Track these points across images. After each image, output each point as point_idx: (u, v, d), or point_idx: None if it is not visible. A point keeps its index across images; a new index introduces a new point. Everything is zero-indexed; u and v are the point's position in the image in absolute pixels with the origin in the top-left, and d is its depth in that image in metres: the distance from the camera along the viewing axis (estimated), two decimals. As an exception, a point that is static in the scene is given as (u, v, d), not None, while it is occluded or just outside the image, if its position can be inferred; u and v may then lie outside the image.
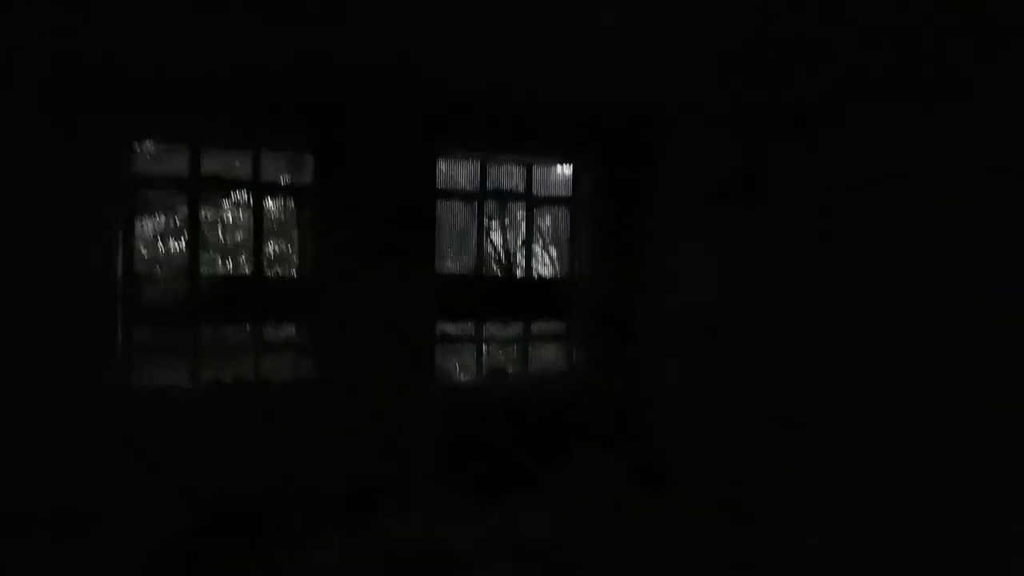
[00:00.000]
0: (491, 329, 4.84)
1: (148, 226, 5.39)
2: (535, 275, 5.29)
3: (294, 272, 4.46)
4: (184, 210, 5.99)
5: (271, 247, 5.94)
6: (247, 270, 7.01)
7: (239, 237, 8.32)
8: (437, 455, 4.25)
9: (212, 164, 4.33)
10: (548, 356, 5.95)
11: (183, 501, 3.68)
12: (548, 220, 8.02)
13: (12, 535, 3.28)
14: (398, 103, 4.13)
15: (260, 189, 4.19)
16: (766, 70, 3.33)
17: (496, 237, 5.98)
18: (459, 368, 4.76)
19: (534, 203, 4.92)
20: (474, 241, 4.91)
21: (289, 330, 4.60)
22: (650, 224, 4.56)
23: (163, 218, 6.12)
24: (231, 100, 3.86)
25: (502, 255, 5.05)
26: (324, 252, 4.12)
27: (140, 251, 4.00)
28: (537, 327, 4.93)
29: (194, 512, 3.61)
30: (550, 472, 4.26)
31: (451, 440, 4.29)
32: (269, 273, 4.59)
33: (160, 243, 6.27)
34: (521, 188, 4.85)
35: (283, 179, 4.78)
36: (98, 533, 3.37)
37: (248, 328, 4.26)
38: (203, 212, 4.03)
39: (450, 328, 4.64)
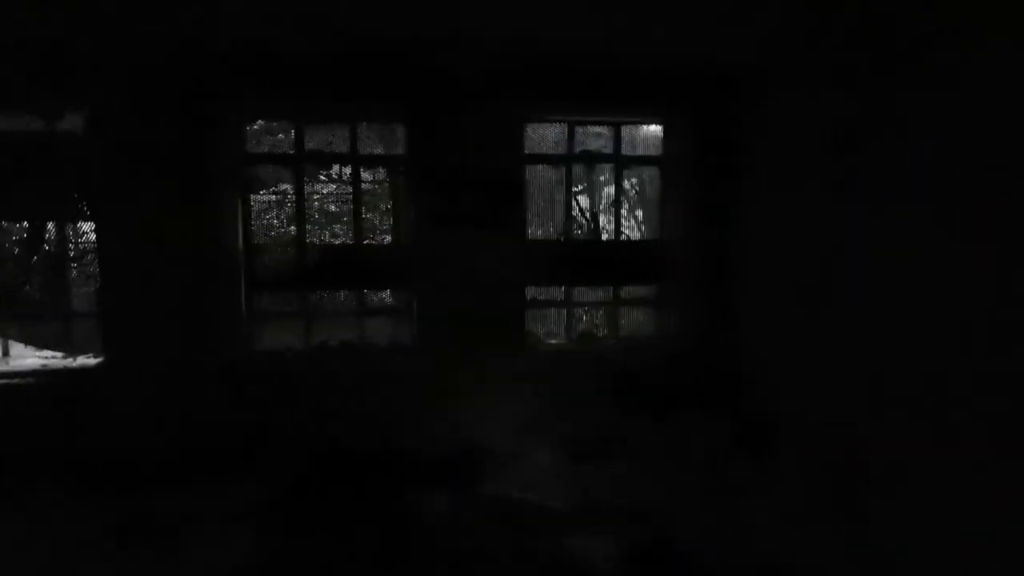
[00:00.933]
0: (580, 294, 4.83)
1: (260, 200, 5.78)
2: (623, 238, 5.19)
3: (390, 240, 4.64)
4: (285, 184, 6.40)
5: (366, 216, 6.23)
6: (345, 240, 7.42)
7: (332, 208, 8.78)
8: (530, 418, 4.36)
9: (310, 140, 4.58)
10: (638, 320, 5.89)
11: (301, 452, 4.04)
12: (635, 182, 7.82)
13: (160, 477, 3.74)
14: (485, 70, 4.13)
15: (358, 162, 4.39)
16: (864, 15, 3.02)
17: (583, 200, 5.91)
18: (549, 333, 4.81)
19: (623, 164, 4.80)
20: (562, 205, 4.89)
21: (387, 296, 4.84)
22: (744, 183, 4.33)
23: (270, 192, 6.63)
24: (330, 77, 4.02)
25: (589, 218, 4.97)
26: (417, 220, 4.26)
27: (255, 224, 4.28)
28: (627, 291, 4.89)
29: (312, 462, 3.95)
30: (645, 435, 4.27)
31: (543, 404, 4.38)
32: (367, 242, 4.80)
33: (270, 216, 6.78)
34: (608, 150, 4.74)
35: (376, 151, 4.94)
36: (229, 479, 3.78)
37: (351, 294, 4.52)
38: (303, 185, 4.26)
39: (539, 293, 4.68)
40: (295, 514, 3.38)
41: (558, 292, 4.77)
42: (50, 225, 4.23)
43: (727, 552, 3.03)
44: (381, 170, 5.46)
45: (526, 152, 4.42)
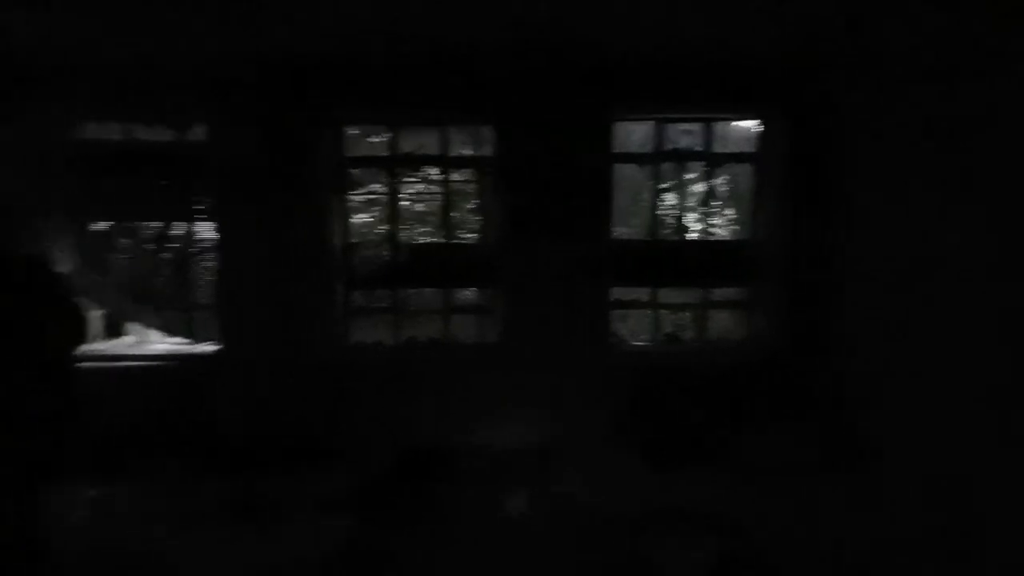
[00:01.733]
0: (666, 294, 4.72)
1: (354, 200, 6.09)
2: (713, 238, 5.01)
3: (477, 239, 4.77)
4: (373, 184, 6.72)
5: (453, 216, 6.38)
6: (432, 238, 7.68)
7: (418, 207, 9.07)
8: (610, 419, 4.33)
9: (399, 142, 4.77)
10: (728, 323, 5.67)
11: (387, 442, 4.25)
12: (726, 180, 7.50)
13: (264, 460, 4.07)
14: (572, 68, 4.13)
15: (448, 163, 4.54)
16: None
17: (671, 198, 5.76)
18: (633, 334, 4.74)
19: (715, 162, 4.64)
20: (648, 203, 4.79)
21: (474, 294, 4.96)
22: (845, 180, 4.04)
23: (363, 192, 7.01)
24: (422, 82, 4.18)
25: (677, 217, 4.85)
26: (504, 220, 4.34)
27: (350, 223, 4.54)
28: (716, 293, 4.73)
29: (398, 454, 4.15)
30: (733, 443, 4.12)
31: (624, 405, 4.34)
32: (455, 241, 4.96)
33: (361, 215, 7.16)
34: (698, 147, 4.58)
35: (464, 152, 5.08)
36: (324, 465, 4.05)
37: (438, 291, 4.68)
38: (395, 186, 4.46)
39: (624, 294, 4.63)
40: (379, 503, 3.57)
41: (644, 293, 4.69)
42: (176, 225, 4.69)
43: (818, 570, 2.87)
44: (469, 171, 5.58)
45: (614, 151, 4.38)
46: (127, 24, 3.43)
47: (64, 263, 4.26)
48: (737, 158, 4.77)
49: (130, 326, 4.69)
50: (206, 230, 4.65)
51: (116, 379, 4.20)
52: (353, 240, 4.56)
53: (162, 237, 5.10)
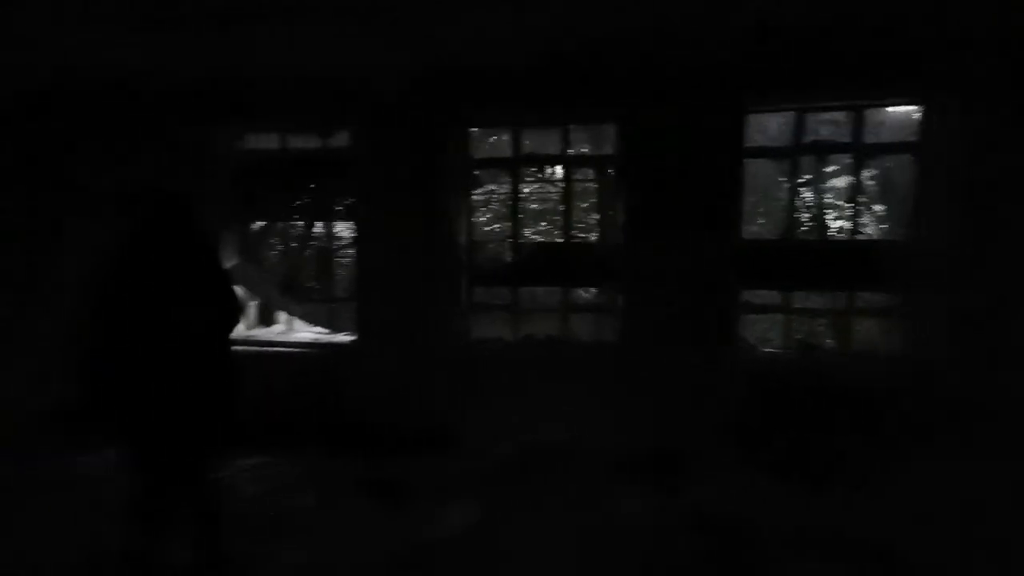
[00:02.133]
0: (802, 299, 4.37)
1: (478, 200, 6.31)
2: (858, 237, 4.55)
3: (597, 238, 4.72)
4: (490, 184, 6.88)
5: (574, 215, 6.41)
6: (549, 237, 7.77)
7: (534, 206, 9.19)
8: (738, 428, 4.09)
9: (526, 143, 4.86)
10: (872, 331, 5.13)
11: (506, 435, 4.33)
12: (875, 173, 6.78)
13: (396, 445, 4.33)
14: (700, 57, 3.94)
15: (569, 162, 4.54)
16: None
17: (809, 194, 5.28)
18: (764, 340, 4.45)
19: (864, 154, 4.20)
20: (783, 200, 4.46)
21: (594, 293, 4.93)
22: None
23: (485, 192, 7.26)
24: (544, 83, 4.21)
25: (816, 215, 4.46)
26: (627, 218, 4.25)
27: (474, 222, 4.69)
28: (859, 297, 4.28)
29: (516, 448, 4.22)
30: (871, 462, 3.72)
31: (754, 415, 4.07)
32: (575, 240, 4.95)
33: (481, 214, 7.42)
34: (844, 138, 4.18)
35: (586, 150, 5.05)
36: (448, 453, 4.22)
37: (558, 289, 4.71)
38: (517, 185, 4.53)
39: (756, 296, 4.35)
40: (498, 493, 3.65)
41: (775, 297, 4.38)
42: (319, 224, 5.13)
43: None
44: (588, 169, 5.54)
45: (746, 145, 4.13)
46: (278, 44, 3.81)
47: (229, 257, 4.83)
48: (894, 149, 4.29)
49: (279, 315, 5.21)
50: (346, 229, 5.04)
51: (267, 362, 4.67)
52: (477, 238, 4.71)
53: (307, 235, 5.62)
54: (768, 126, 5.01)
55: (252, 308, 5.08)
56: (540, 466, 4.04)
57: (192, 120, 4.68)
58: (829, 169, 6.31)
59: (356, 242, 4.67)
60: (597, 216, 4.93)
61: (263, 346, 4.77)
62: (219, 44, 3.80)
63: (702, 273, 4.11)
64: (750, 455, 3.99)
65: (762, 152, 4.28)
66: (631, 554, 3.00)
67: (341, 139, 4.71)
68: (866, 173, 6.69)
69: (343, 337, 4.85)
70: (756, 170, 4.87)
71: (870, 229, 6.71)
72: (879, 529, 3.14)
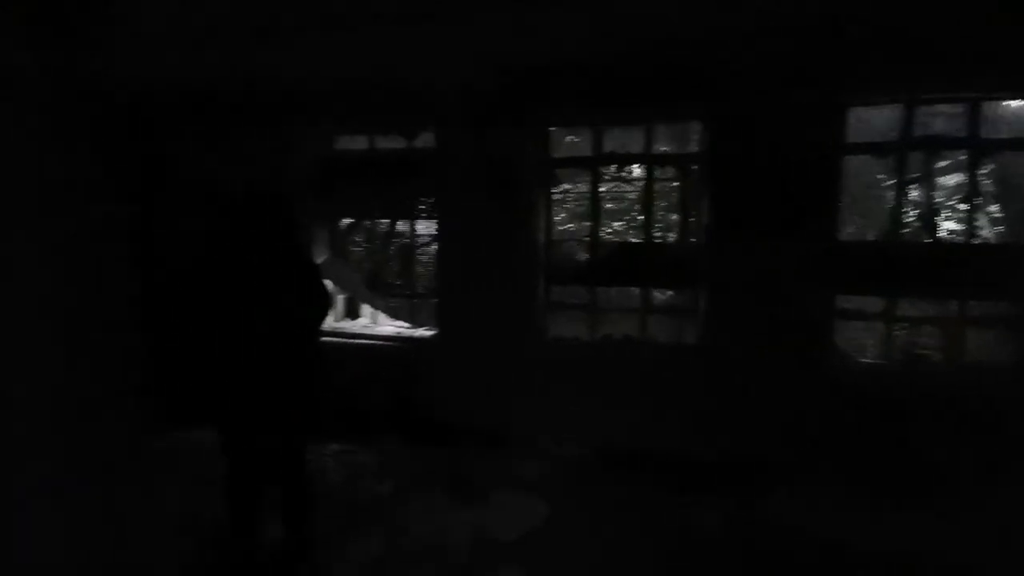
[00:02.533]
0: (907, 306, 4.06)
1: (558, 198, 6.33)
2: (974, 240, 4.17)
3: (678, 238, 4.60)
4: (566, 184, 6.83)
5: (656, 214, 6.29)
6: (626, 237, 7.64)
7: (610, 206, 9.07)
8: (831, 441, 3.86)
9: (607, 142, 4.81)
10: (985, 343, 4.69)
11: (579, 435, 4.31)
12: (990, 170, 6.17)
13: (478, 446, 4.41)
14: (794, 49, 3.75)
15: (652, 161, 4.45)
16: None
17: (917, 194, 4.86)
18: (862, 349, 4.16)
19: (983, 150, 3.85)
20: (886, 200, 4.16)
21: (673, 294, 4.81)
22: None
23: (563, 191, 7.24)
24: (628, 82, 4.15)
25: (924, 215, 4.13)
26: (712, 218, 4.12)
27: (553, 221, 4.70)
28: (974, 306, 3.93)
29: (591, 447, 4.19)
30: (978, 482, 3.40)
31: (850, 428, 3.83)
32: (656, 240, 4.85)
33: (557, 213, 7.43)
34: (959, 132, 3.83)
35: (669, 149, 4.93)
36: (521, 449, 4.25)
37: (637, 291, 4.63)
38: (597, 184, 4.49)
39: (853, 303, 4.09)
40: (573, 494, 3.64)
41: (876, 303, 4.09)
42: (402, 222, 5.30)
43: None
44: (669, 168, 5.41)
45: (848, 141, 3.89)
46: (366, 49, 3.96)
47: (319, 253, 5.09)
48: (1010, 145, 3.90)
49: (364, 309, 5.44)
50: (428, 227, 5.18)
51: (352, 353, 4.88)
52: (555, 237, 4.71)
53: (391, 233, 5.83)
54: (872, 120, 4.68)
55: (339, 301, 5.32)
56: (613, 469, 4.00)
57: (287, 122, 4.96)
58: (939, 166, 5.82)
59: (437, 239, 4.79)
60: (678, 216, 4.79)
61: (348, 338, 5.00)
62: (313, 51, 4.01)
63: (794, 276, 3.90)
64: (839, 469, 3.76)
65: (864, 148, 4.01)
66: (699, 565, 2.91)
67: (425, 140, 4.84)
68: (981, 171, 6.12)
69: (423, 332, 4.99)
70: (857, 167, 4.57)
71: (985, 231, 6.11)
72: (979, 553, 2.88)
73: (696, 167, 4.38)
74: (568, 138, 7.38)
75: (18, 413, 1.14)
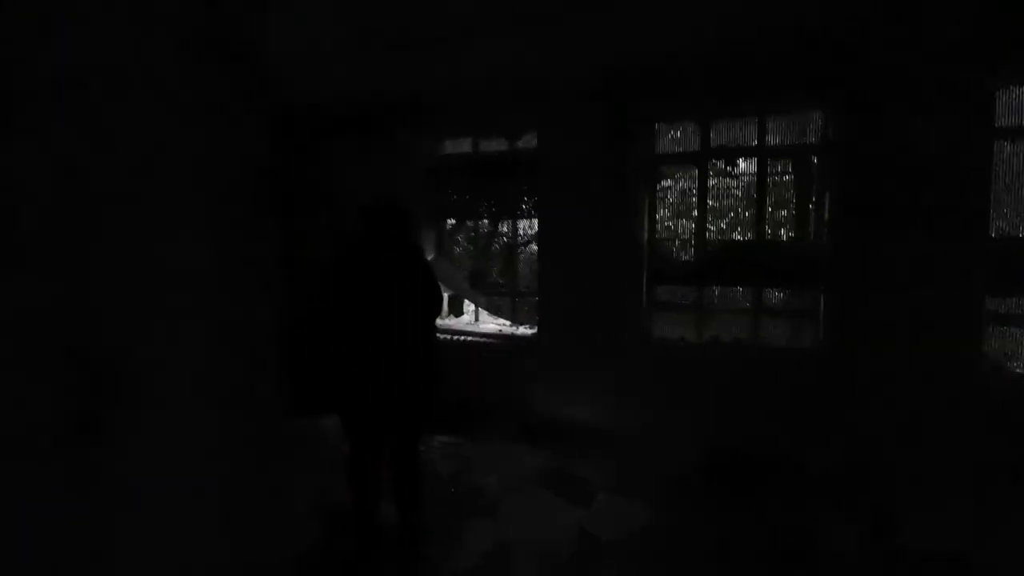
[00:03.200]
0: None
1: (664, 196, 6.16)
2: None
3: (792, 236, 4.33)
4: (667, 180, 6.59)
5: (771, 211, 5.92)
6: (735, 235, 7.24)
7: (715, 203, 8.64)
8: (976, 455, 3.47)
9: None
10: None
11: (689, 439, 4.18)
12: None
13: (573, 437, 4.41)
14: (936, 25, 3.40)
15: (765, 154, 4.22)
16: None
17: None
18: (1015, 356, 3.69)
19: None
20: (1047, 192, 3.66)
21: (793, 295, 4.53)
22: None
23: (670, 187, 7.01)
24: (739, 73, 3.97)
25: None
26: (833, 214, 3.84)
27: (659, 219, 4.60)
28: None
29: (696, 451, 4.06)
30: None
31: (993, 442, 3.42)
32: (769, 237, 4.60)
33: (670, 211, 7.18)
34: None
35: (784, 141, 4.64)
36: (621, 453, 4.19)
37: (749, 291, 4.40)
38: (705, 181, 4.32)
39: (1003, 306, 3.65)
40: (677, 501, 3.54)
41: (1033, 306, 3.62)
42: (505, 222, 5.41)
43: None
44: (783, 162, 5.09)
45: (995, 126, 3.47)
46: (470, 55, 4.08)
47: (429, 252, 5.32)
48: None
49: (467, 307, 5.61)
50: (530, 226, 5.25)
51: (455, 350, 5.06)
52: (661, 235, 4.60)
53: (494, 232, 5.96)
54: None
55: (445, 299, 5.53)
56: (721, 475, 3.85)
57: (400, 129, 5.24)
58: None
59: (540, 239, 4.84)
60: (792, 212, 4.51)
61: (452, 335, 5.18)
62: (423, 60, 4.20)
63: (935, 275, 3.55)
64: (981, 487, 3.37)
65: (1016, 133, 3.55)
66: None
67: (528, 141, 4.91)
68: None
69: (525, 330, 5.07)
70: (1012, 154, 4.05)
71: None
72: None
73: (816, 159, 4.10)
74: (672, 133, 7.14)
75: (167, 403, 1.31)
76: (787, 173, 5.50)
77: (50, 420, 1.09)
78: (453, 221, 6.06)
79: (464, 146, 5.33)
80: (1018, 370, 3.75)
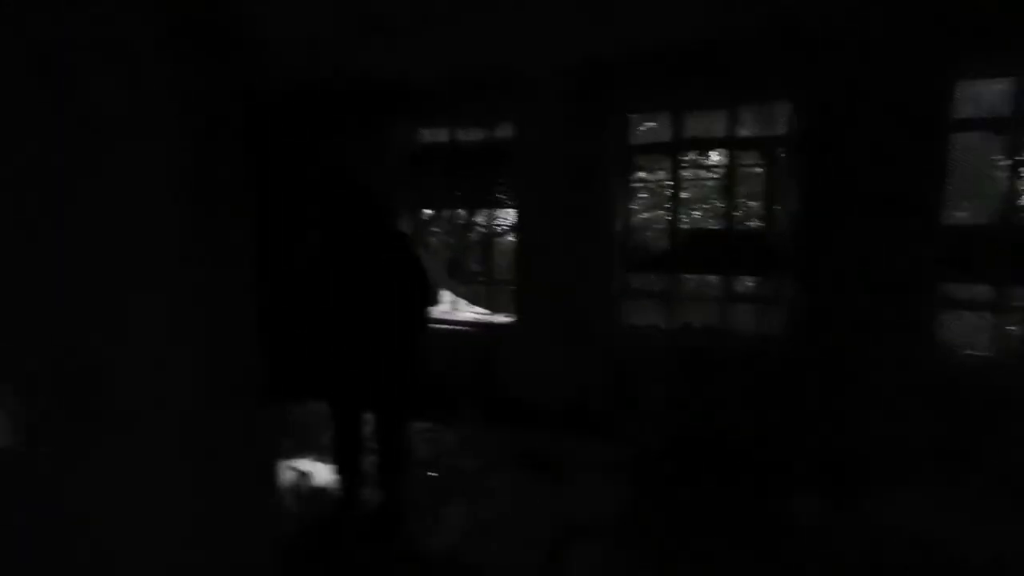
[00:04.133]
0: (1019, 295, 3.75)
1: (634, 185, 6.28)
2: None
3: (761, 225, 4.46)
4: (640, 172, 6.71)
5: (737, 200, 6.08)
6: (704, 224, 7.42)
7: (685, 194, 8.81)
8: (939, 442, 3.64)
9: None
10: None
11: (657, 425, 4.30)
12: None
13: (546, 423, 4.50)
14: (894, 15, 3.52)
15: (735, 145, 4.33)
16: None
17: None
18: (969, 342, 3.88)
19: (1119, 123, 3.46)
20: (1000, 180, 3.84)
21: (760, 282, 4.67)
22: None
23: (640, 178, 7.17)
24: (711, 64, 4.05)
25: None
26: (803, 203, 3.96)
27: (631, 209, 4.68)
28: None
29: (664, 436, 4.18)
30: None
31: (960, 428, 3.60)
32: (737, 227, 4.72)
33: (640, 201, 7.34)
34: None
35: (752, 132, 4.76)
36: (597, 436, 4.29)
37: (718, 278, 4.53)
38: (676, 171, 4.42)
39: (957, 291, 3.82)
40: (649, 480, 3.65)
41: (985, 291, 3.80)
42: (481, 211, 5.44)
43: None
44: (751, 153, 5.23)
45: (954, 118, 3.62)
46: (447, 44, 4.09)
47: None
48: None
49: (445, 296, 5.64)
50: (506, 216, 5.30)
51: (433, 339, 5.08)
52: (633, 225, 4.69)
53: (469, 222, 6.01)
54: (984, 95, 4.31)
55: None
56: (688, 459, 3.97)
57: (376, 116, 5.21)
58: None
59: (516, 228, 4.89)
60: (760, 202, 4.65)
61: (431, 323, 5.20)
62: (404, 46, 4.18)
63: (892, 263, 3.70)
64: (956, 471, 3.55)
65: (975, 124, 3.71)
66: (792, 559, 2.85)
67: (504, 130, 4.94)
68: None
69: (502, 318, 5.12)
70: (964, 144, 4.24)
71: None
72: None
73: (784, 150, 4.22)
74: (645, 124, 7.27)
75: (157, 399, 1.32)
76: (757, 164, 5.65)
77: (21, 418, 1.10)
78: (430, 211, 6.08)
79: (441, 135, 5.32)
80: (974, 353, 3.95)
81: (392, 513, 3.06)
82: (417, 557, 2.87)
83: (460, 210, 5.74)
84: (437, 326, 5.16)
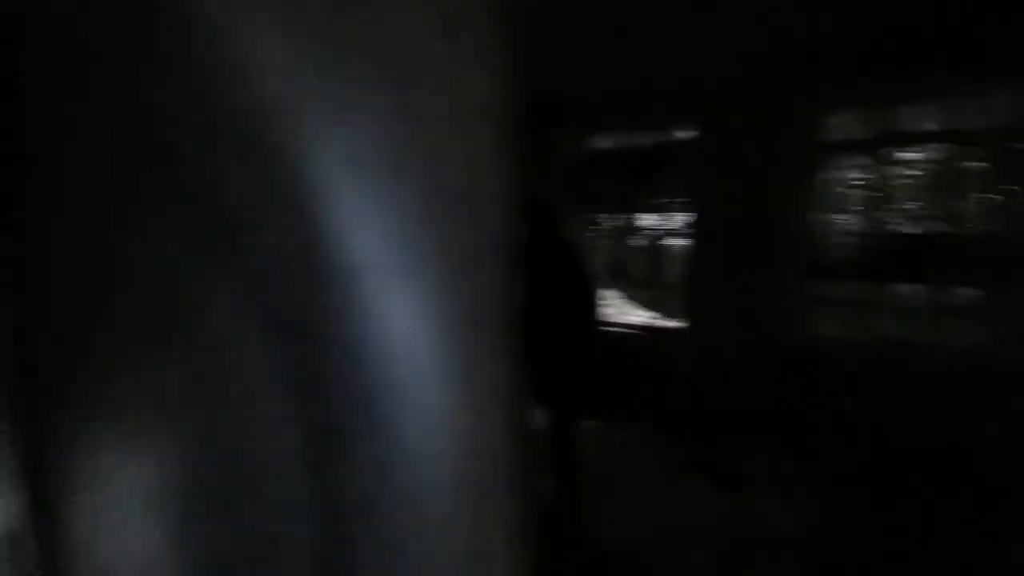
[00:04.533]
0: None
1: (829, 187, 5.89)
2: None
3: (975, 228, 4.00)
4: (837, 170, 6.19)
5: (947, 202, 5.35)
6: (906, 227, 6.58)
7: (879, 194, 7.86)
8: None
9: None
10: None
11: (844, 439, 4.03)
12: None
13: (719, 430, 4.45)
14: None
15: (945, 139, 3.92)
16: None
17: None
18: None
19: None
20: None
21: (973, 294, 4.16)
22: None
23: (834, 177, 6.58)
24: (916, 51, 3.72)
25: None
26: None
27: (822, 212, 4.45)
28: None
29: (857, 451, 3.91)
30: None
31: None
32: (944, 230, 4.27)
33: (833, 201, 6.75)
34: None
35: (966, 125, 4.24)
36: (774, 445, 4.15)
37: (922, 288, 4.11)
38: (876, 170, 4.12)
39: None
40: (834, 496, 3.48)
41: None
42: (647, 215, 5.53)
43: None
44: (963, 148, 4.65)
45: None
46: (619, 47, 4.19)
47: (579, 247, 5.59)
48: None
49: (613, 300, 5.80)
50: (681, 218, 5.30)
51: (605, 340, 5.26)
52: (824, 228, 4.44)
53: (640, 225, 6.09)
54: None
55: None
56: (882, 477, 3.69)
57: (549, 124, 5.50)
58: None
59: (693, 231, 4.88)
60: (974, 203, 4.14)
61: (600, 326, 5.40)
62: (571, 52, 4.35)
63: None
64: None
65: None
66: None
67: (680, 131, 4.95)
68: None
69: (674, 323, 5.16)
70: None
71: None
72: None
73: (1009, 145, 3.73)
74: (839, 119, 6.67)
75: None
76: (970, 160, 4.98)
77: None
78: (601, 215, 6.28)
79: (615, 139, 5.47)
80: None
81: (569, 506, 3.27)
82: (592, 550, 3.01)
83: (632, 214, 5.86)
84: (608, 329, 5.35)
